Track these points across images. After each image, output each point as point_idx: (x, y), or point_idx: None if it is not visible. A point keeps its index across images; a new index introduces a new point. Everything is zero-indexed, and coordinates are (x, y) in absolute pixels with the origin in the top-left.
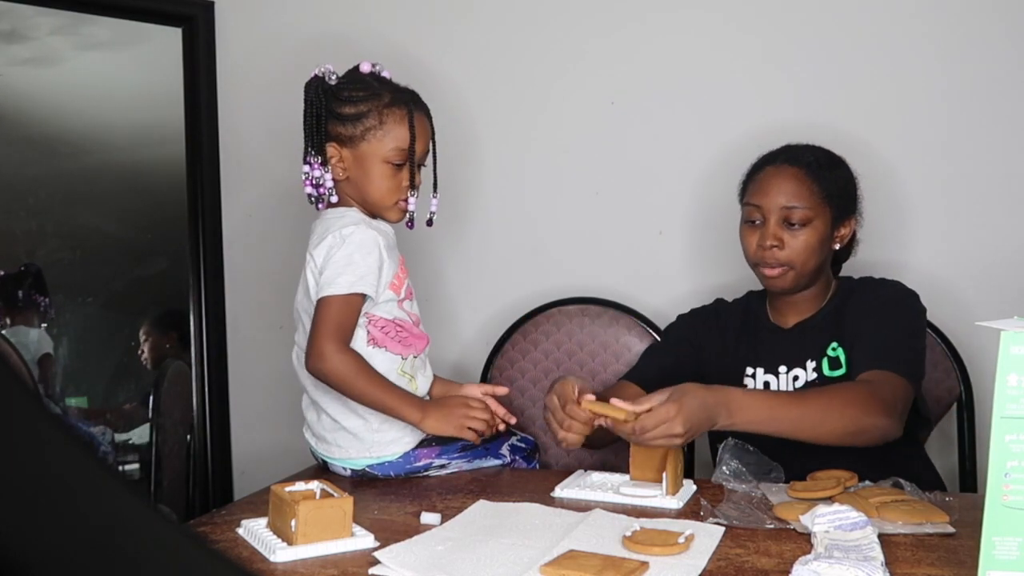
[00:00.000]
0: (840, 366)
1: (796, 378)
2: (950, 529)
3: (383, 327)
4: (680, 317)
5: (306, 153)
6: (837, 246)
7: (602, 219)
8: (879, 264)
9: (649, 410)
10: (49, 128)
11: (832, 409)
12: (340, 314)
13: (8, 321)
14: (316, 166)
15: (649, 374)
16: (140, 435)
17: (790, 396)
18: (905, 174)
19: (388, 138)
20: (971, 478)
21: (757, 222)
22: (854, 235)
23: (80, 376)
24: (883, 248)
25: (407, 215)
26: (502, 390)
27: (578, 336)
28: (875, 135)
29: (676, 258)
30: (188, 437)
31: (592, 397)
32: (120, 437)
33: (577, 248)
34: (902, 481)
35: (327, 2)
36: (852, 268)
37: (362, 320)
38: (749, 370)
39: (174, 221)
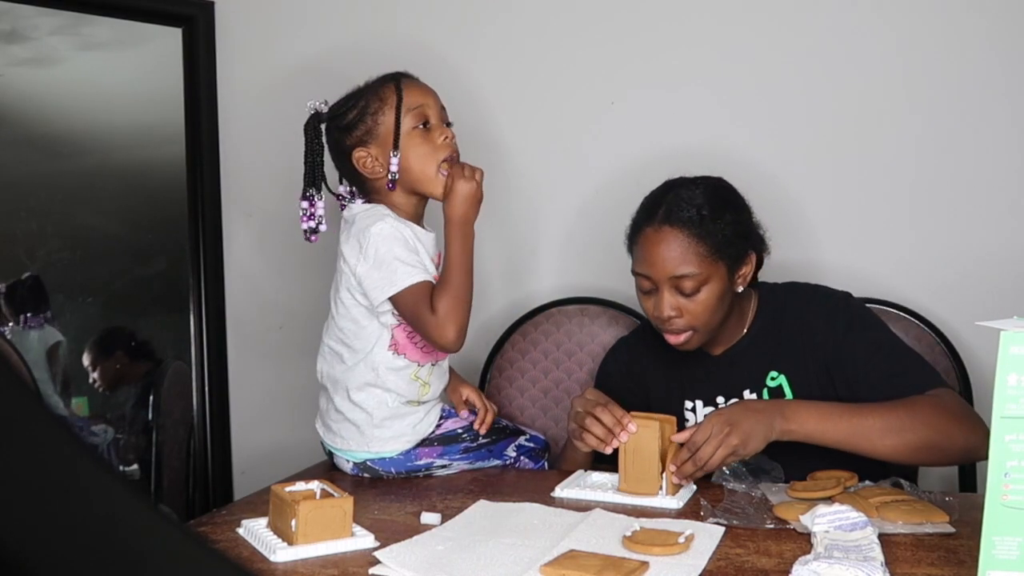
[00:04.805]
0: (783, 395)
1: None
2: (950, 529)
3: (410, 333)
4: (611, 351)
5: (305, 192)
6: (740, 288)
7: (602, 219)
8: (892, 265)
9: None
10: (49, 128)
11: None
12: (420, 296)
13: (10, 325)
14: (317, 203)
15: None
16: (138, 434)
17: (854, 406)
18: (912, 173)
19: (394, 108)
20: (971, 478)
21: (649, 291)
22: (760, 259)
23: (80, 376)
24: (879, 247)
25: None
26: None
27: (578, 336)
28: (876, 135)
29: None
30: (188, 437)
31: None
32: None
33: (577, 248)
34: (902, 481)
35: (327, 2)
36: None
37: (390, 321)
38: (688, 404)
39: (174, 221)
